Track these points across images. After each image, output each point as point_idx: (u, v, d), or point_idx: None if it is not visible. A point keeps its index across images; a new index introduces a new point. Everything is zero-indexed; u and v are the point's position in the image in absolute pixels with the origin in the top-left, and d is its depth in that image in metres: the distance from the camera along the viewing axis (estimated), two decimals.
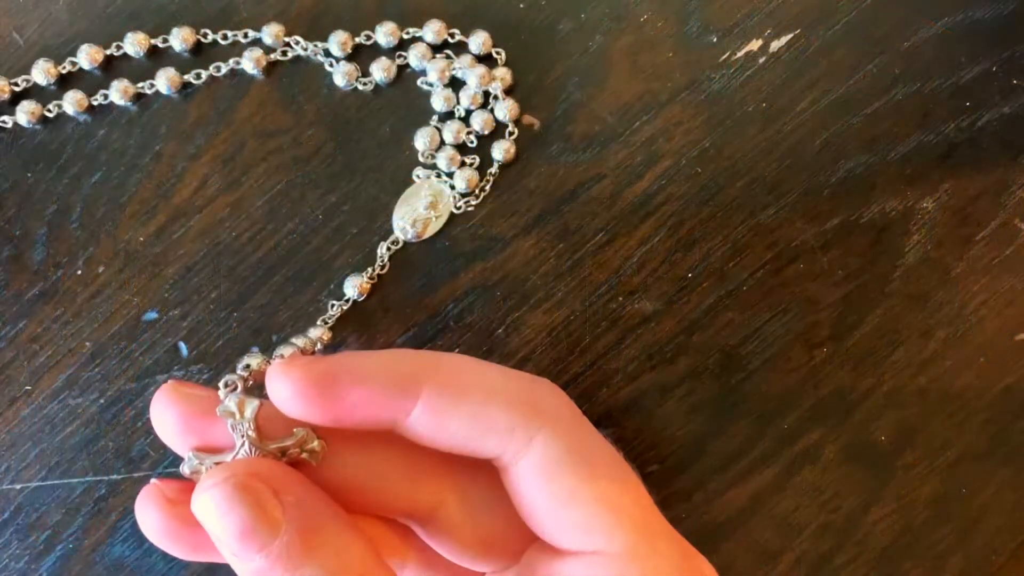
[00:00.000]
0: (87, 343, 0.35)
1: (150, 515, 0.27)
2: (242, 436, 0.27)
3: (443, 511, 0.29)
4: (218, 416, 0.27)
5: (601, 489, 0.27)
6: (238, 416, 0.27)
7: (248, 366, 0.28)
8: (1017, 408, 0.37)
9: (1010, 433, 0.37)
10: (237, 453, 0.27)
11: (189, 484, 0.27)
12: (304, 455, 0.27)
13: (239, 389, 0.27)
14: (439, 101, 0.36)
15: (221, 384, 0.27)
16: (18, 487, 0.34)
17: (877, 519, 0.36)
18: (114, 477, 0.35)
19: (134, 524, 0.34)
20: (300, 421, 0.27)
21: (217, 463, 0.27)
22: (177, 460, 0.28)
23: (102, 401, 0.35)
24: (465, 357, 0.29)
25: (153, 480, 0.28)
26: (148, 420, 0.34)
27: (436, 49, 0.37)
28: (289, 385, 0.26)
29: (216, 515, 0.25)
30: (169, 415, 0.27)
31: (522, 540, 0.29)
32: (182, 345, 0.35)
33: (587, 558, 0.27)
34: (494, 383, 0.28)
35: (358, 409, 0.26)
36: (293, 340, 0.30)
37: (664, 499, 0.36)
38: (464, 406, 0.27)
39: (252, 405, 0.27)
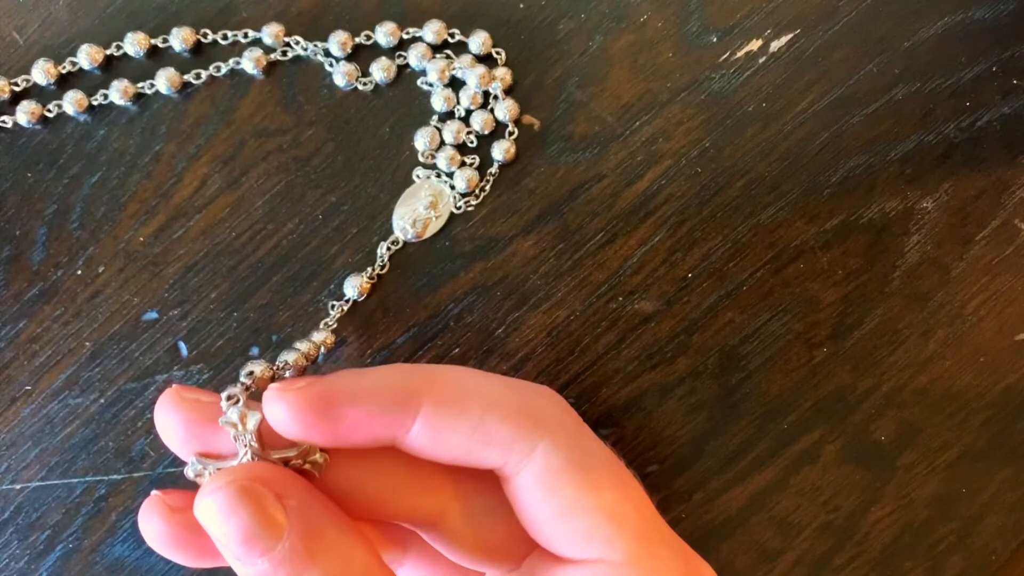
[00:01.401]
0: (87, 343, 0.35)
1: (153, 524, 0.27)
2: (245, 447, 0.27)
3: (445, 519, 0.29)
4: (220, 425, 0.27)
5: (602, 498, 0.27)
6: (240, 428, 0.27)
7: (252, 373, 0.28)
8: (1017, 408, 0.37)
9: (1010, 433, 0.37)
10: (240, 461, 0.27)
11: (191, 493, 0.27)
12: (307, 466, 0.27)
13: (241, 402, 0.27)
14: (439, 101, 0.36)
15: (223, 396, 0.27)
16: (18, 487, 0.34)
17: (877, 519, 0.36)
18: (114, 477, 0.35)
19: (134, 524, 0.34)
20: None
21: (220, 468, 0.27)
22: (177, 460, 0.28)
23: (102, 401, 0.35)
24: (462, 369, 0.29)
25: (155, 492, 0.28)
26: (148, 420, 0.34)
27: (436, 49, 0.37)
28: (286, 409, 0.26)
29: (219, 519, 0.25)
30: (172, 421, 0.27)
31: (524, 546, 0.29)
32: (182, 345, 0.35)
33: (589, 566, 0.27)
34: (493, 395, 0.28)
35: (357, 430, 0.26)
36: (297, 345, 0.30)
37: (664, 499, 0.36)
38: (463, 421, 0.27)
39: (254, 417, 0.27)
